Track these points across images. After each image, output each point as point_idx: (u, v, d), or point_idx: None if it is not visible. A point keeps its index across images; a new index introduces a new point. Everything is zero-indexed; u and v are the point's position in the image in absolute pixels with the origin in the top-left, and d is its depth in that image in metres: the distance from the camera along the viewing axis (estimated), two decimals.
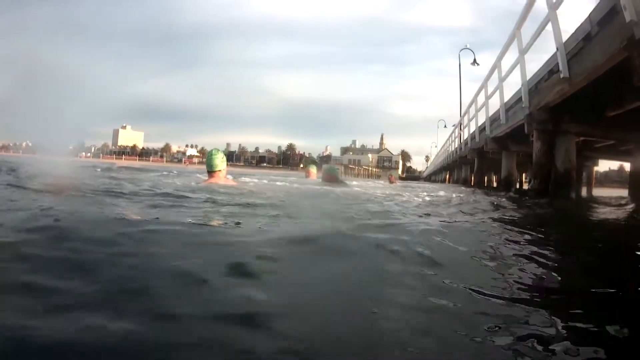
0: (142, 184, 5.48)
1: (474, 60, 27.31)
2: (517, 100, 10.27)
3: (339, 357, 1.00)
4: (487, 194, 6.10)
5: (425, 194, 8.05)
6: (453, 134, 26.11)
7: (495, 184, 19.40)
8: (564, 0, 6.89)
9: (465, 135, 19.95)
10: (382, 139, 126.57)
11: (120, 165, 16.52)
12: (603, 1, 5.52)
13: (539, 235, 2.92)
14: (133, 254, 1.60)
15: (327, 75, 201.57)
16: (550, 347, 1.06)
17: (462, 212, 3.98)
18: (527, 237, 2.72)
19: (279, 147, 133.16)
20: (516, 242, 2.44)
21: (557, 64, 7.01)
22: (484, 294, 1.37)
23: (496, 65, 11.82)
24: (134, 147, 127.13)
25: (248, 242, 1.89)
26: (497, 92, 12.17)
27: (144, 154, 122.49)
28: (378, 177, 49.73)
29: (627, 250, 2.49)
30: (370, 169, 65.45)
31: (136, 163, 55.02)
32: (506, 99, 11.59)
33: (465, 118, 19.70)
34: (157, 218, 2.39)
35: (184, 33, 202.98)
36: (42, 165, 5.74)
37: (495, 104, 12.81)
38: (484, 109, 14.61)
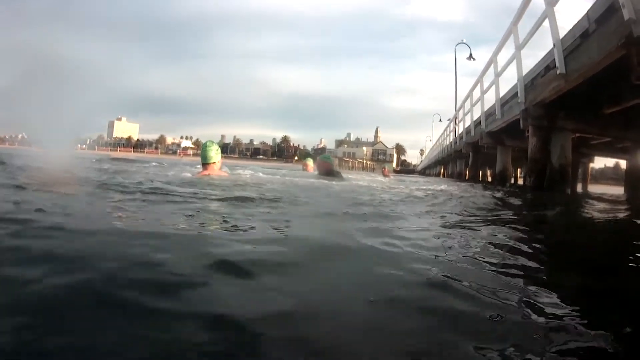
0: (133, 176, 5.42)
1: (470, 55, 27.26)
2: (512, 95, 10.26)
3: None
4: (495, 196, 6.04)
5: (424, 188, 7.95)
6: (448, 128, 26.14)
7: (490, 179, 19.43)
8: None
9: (460, 129, 19.96)
10: (376, 132, 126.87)
11: (114, 157, 16.38)
12: None
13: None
14: (109, 251, 1.56)
15: (322, 68, 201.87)
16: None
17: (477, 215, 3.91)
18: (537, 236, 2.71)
19: (274, 140, 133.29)
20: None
21: (554, 60, 6.98)
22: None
23: (492, 60, 11.78)
24: (129, 138, 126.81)
25: (233, 241, 1.84)
26: (493, 87, 12.17)
27: (139, 145, 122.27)
28: (372, 170, 49.94)
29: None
30: (364, 162, 65.56)
31: (131, 155, 54.75)
32: (502, 94, 11.58)
33: (461, 112, 19.69)
34: (143, 219, 2.34)
35: (179, 25, 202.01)
36: (38, 157, 5.69)
37: (490, 99, 12.80)
38: (479, 103, 14.58)
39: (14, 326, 0.97)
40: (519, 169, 20.40)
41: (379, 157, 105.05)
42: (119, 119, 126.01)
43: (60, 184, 3.69)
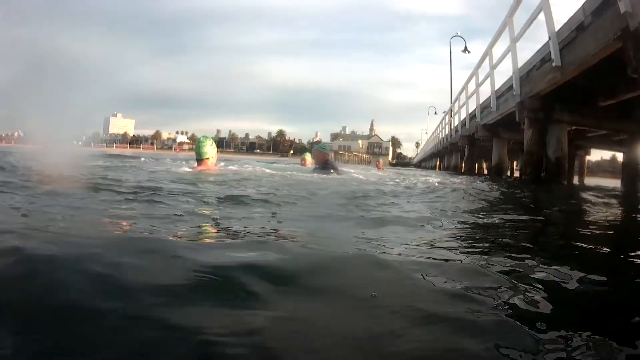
0: (126, 173, 5.38)
1: (465, 47, 27.20)
2: (508, 87, 10.25)
3: None
4: (505, 193, 5.99)
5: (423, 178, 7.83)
6: (443, 121, 26.14)
7: (486, 171, 19.48)
8: None
9: (456, 122, 19.95)
10: (372, 125, 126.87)
11: (110, 153, 16.22)
12: None
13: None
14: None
15: (316, 62, 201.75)
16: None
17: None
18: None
19: (269, 134, 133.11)
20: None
21: (549, 52, 6.98)
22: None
23: (487, 53, 11.78)
24: (124, 134, 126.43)
25: (215, 249, 1.76)
26: (488, 79, 12.15)
27: (135, 141, 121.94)
28: (368, 163, 50.20)
29: None
30: (360, 155, 65.74)
31: (127, 151, 54.52)
32: (497, 87, 11.56)
33: (456, 105, 19.71)
34: (134, 222, 2.26)
35: (172, 19, 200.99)
36: (34, 155, 5.64)
37: (486, 91, 12.82)
38: (474, 96, 14.59)
39: None
40: (515, 162, 20.45)
41: (375, 150, 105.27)
42: (115, 115, 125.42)
43: (50, 182, 3.64)
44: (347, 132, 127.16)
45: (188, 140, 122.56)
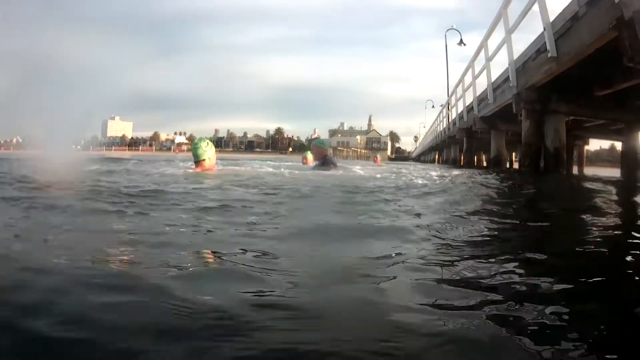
0: (121, 176, 5.35)
1: (461, 40, 27.19)
2: (504, 79, 10.24)
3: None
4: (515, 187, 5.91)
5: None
6: (441, 114, 26.15)
7: (484, 164, 19.45)
8: None
9: (454, 115, 19.94)
10: (370, 120, 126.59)
11: (108, 156, 16.11)
12: None
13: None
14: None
15: (312, 58, 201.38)
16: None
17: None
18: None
19: (267, 132, 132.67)
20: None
21: (545, 43, 6.96)
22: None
23: (483, 45, 11.74)
24: (123, 137, 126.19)
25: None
26: (485, 71, 12.13)
27: (133, 143, 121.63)
28: (367, 158, 50.28)
29: None
30: (359, 150, 65.75)
31: (126, 153, 54.41)
32: (493, 79, 11.56)
33: (453, 98, 19.67)
34: (131, 229, 2.18)
35: (167, 20, 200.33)
36: (33, 160, 5.62)
37: (482, 84, 12.79)
38: (471, 88, 14.58)
39: None
40: (513, 153, 20.45)
41: (374, 146, 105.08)
42: (112, 118, 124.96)
43: (48, 192, 3.61)
44: (345, 128, 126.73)
45: (186, 141, 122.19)
